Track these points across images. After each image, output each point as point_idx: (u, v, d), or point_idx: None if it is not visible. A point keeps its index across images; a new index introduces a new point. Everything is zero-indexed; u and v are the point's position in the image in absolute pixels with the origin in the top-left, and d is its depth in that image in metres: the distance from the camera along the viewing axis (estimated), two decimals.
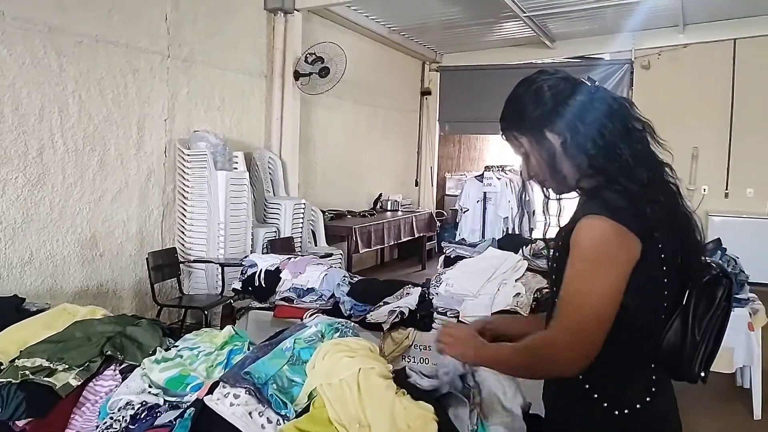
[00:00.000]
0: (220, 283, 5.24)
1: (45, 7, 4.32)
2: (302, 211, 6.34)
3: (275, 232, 6.06)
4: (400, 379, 1.70)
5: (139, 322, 2.23)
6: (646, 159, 1.41)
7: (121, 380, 1.96)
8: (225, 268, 5.19)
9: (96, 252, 4.83)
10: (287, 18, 6.57)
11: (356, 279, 3.90)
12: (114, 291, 5.00)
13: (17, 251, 4.27)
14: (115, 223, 4.98)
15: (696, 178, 8.29)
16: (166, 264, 5.11)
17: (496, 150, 13.36)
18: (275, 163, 6.54)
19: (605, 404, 1.40)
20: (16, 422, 1.87)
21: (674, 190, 1.44)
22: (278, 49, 6.57)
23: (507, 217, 7.97)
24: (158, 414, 1.76)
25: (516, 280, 3.58)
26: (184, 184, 5.40)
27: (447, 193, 11.26)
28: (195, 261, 5.39)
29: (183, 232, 5.47)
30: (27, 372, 1.90)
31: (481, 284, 3.54)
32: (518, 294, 3.43)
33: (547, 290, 3.34)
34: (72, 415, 1.90)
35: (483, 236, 7.59)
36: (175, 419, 1.68)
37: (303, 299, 3.75)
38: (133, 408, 1.77)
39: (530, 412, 1.89)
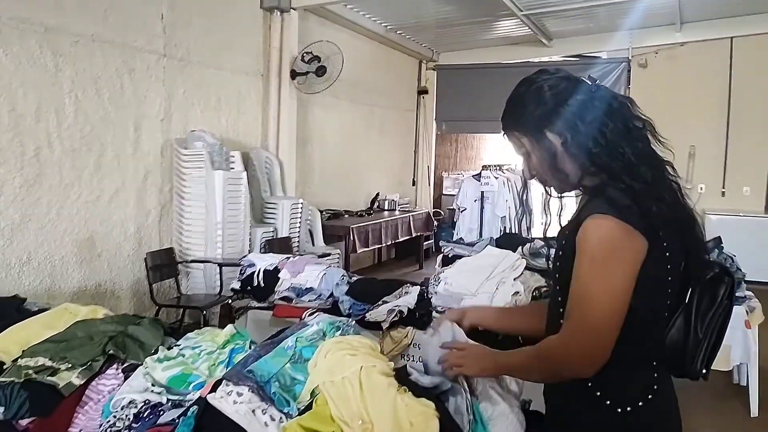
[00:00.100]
0: (218, 283, 5.24)
1: (41, 7, 4.31)
2: (300, 210, 6.34)
3: (273, 231, 6.06)
4: (401, 376, 1.71)
5: (141, 322, 2.24)
6: (648, 157, 1.42)
7: (123, 379, 1.97)
8: (223, 267, 5.19)
9: (94, 252, 4.83)
10: (283, 17, 6.57)
11: (355, 278, 3.90)
12: (112, 291, 4.99)
13: (15, 252, 4.26)
14: (113, 224, 4.98)
15: (693, 176, 8.32)
16: (164, 264, 5.11)
17: (493, 149, 13.38)
18: (272, 162, 6.54)
19: (608, 402, 1.41)
20: (20, 421, 1.87)
21: (676, 189, 1.45)
22: (275, 48, 6.58)
23: (505, 217, 7.97)
24: (161, 412, 1.76)
25: (514, 279, 3.58)
26: (181, 184, 5.40)
27: (444, 192, 11.29)
28: (193, 261, 5.39)
29: (181, 232, 5.47)
30: (30, 371, 1.90)
31: (480, 283, 3.54)
32: (517, 293, 3.43)
33: (546, 289, 3.35)
34: (75, 414, 1.91)
35: (480, 235, 7.60)
36: (178, 417, 1.68)
37: (302, 298, 3.74)
38: (136, 406, 1.77)
39: (530, 408, 1.90)
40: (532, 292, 3.47)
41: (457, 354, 1.62)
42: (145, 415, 1.76)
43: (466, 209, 8.22)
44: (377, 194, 9.07)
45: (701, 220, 1.48)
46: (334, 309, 3.60)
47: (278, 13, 6.52)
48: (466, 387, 1.63)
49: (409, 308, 3.42)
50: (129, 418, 1.75)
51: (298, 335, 1.86)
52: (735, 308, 3.80)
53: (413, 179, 10.43)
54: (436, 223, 9.65)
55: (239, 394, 1.62)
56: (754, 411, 4.03)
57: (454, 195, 9.45)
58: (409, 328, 3.42)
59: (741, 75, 8.46)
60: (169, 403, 1.81)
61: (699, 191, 8.40)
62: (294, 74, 6.59)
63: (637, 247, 1.34)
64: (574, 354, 1.38)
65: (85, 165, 4.70)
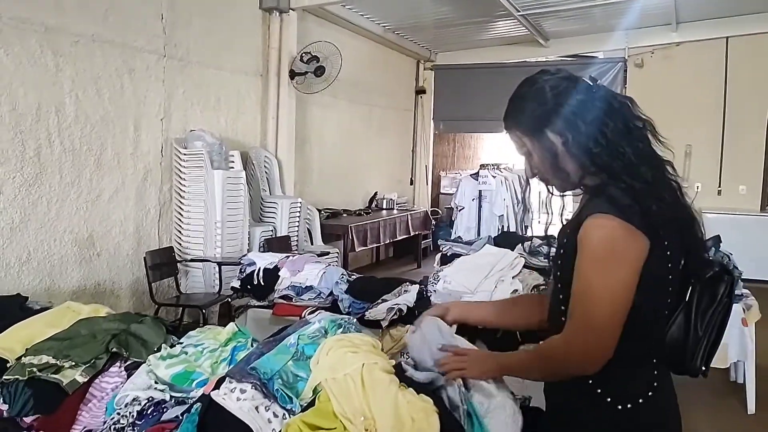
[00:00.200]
0: (217, 282, 5.26)
1: (41, 7, 4.32)
2: (298, 209, 6.36)
3: (272, 230, 6.08)
4: (398, 373, 1.72)
5: (143, 320, 2.25)
6: (648, 157, 1.43)
7: (126, 377, 1.98)
8: (222, 266, 5.21)
9: (93, 251, 4.84)
10: (282, 17, 6.59)
11: (354, 277, 3.92)
12: (111, 290, 5.00)
13: (15, 251, 4.27)
14: (112, 223, 4.99)
15: (689, 175, 8.34)
16: (163, 263, 5.13)
17: (491, 148, 13.42)
18: (271, 162, 6.56)
19: (608, 399, 1.43)
20: (24, 418, 1.89)
21: (676, 188, 1.46)
22: (274, 49, 6.60)
23: (502, 215, 8.00)
24: (165, 409, 1.78)
25: (513, 277, 3.61)
26: (180, 183, 5.41)
27: (442, 191, 11.30)
28: (192, 260, 5.40)
29: (180, 232, 5.49)
30: (34, 369, 1.92)
31: (479, 281, 3.56)
32: (515, 291, 3.45)
33: (544, 287, 3.37)
34: (79, 411, 1.93)
35: (478, 234, 7.63)
36: (182, 414, 1.70)
37: (302, 297, 3.77)
38: (139, 404, 1.79)
39: (531, 405, 1.92)
40: (531, 290, 3.49)
41: (458, 358, 1.64)
42: (148, 412, 1.78)
43: (464, 208, 8.25)
44: (375, 193, 9.09)
45: (700, 219, 1.50)
46: (333, 307, 3.63)
47: (277, 13, 6.54)
48: (460, 382, 1.65)
49: (408, 306, 3.44)
50: (133, 415, 1.77)
51: (300, 333, 1.87)
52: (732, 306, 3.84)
53: (411, 178, 10.45)
54: (433, 222, 9.67)
55: (243, 391, 1.63)
56: (751, 408, 4.05)
57: (451, 194, 9.47)
58: (408, 326, 3.44)
59: (736, 74, 8.50)
60: (173, 400, 1.83)
61: (695, 190, 8.43)
62: (293, 74, 6.61)
63: (638, 246, 1.35)
64: (577, 352, 1.39)
65: (85, 164, 4.72)
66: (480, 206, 8.15)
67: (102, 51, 4.78)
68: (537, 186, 1.63)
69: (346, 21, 7.76)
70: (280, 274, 3.89)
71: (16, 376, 1.91)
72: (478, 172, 8.43)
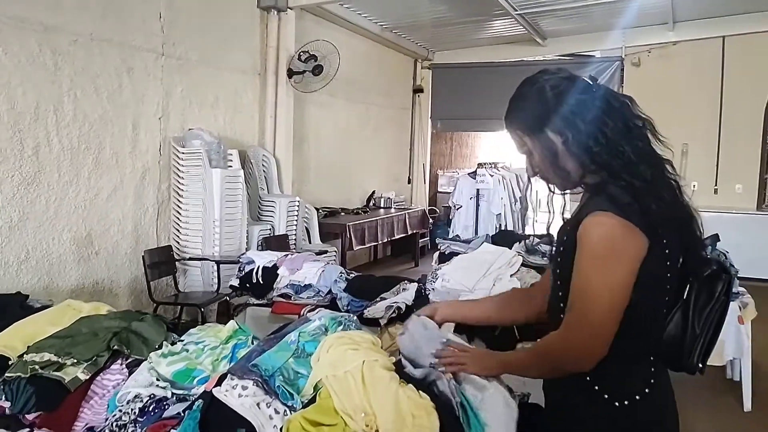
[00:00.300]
0: (215, 280, 5.27)
1: (40, 6, 4.33)
2: (296, 208, 6.38)
3: (270, 229, 6.09)
4: (398, 370, 1.74)
5: (144, 318, 2.27)
6: (647, 156, 1.45)
7: (127, 374, 1.99)
8: (220, 265, 5.21)
9: (92, 250, 4.85)
10: (280, 16, 6.59)
11: (353, 275, 3.93)
12: (110, 289, 5.01)
13: (13, 250, 4.28)
14: (111, 222, 5.00)
15: (686, 174, 8.37)
16: (162, 262, 5.13)
17: (488, 147, 13.43)
18: (269, 160, 6.57)
19: (606, 396, 1.44)
20: (26, 415, 1.90)
21: (675, 187, 1.48)
22: (271, 47, 6.60)
23: (500, 214, 8.02)
24: (166, 406, 1.79)
25: (511, 275, 3.62)
26: (179, 182, 5.42)
27: (439, 190, 11.32)
28: (191, 259, 5.41)
29: (178, 230, 5.49)
30: (36, 366, 1.93)
31: (477, 279, 3.58)
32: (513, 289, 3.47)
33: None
34: (81, 408, 1.94)
35: (476, 233, 7.63)
36: (183, 411, 1.71)
37: (300, 295, 3.77)
38: (141, 401, 1.80)
39: (529, 401, 1.93)
40: None
41: (459, 353, 1.66)
42: (150, 409, 1.79)
43: (461, 207, 8.26)
44: (373, 192, 9.11)
45: (700, 217, 1.52)
46: (332, 306, 3.63)
47: (275, 12, 6.54)
48: (450, 376, 1.66)
49: (407, 305, 3.45)
50: (135, 412, 1.78)
51: (300, 330, 1.88)
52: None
53: (409, 177, 10.47)
54: (431, 220, 9.69)
55: (244, 388, 1.64)
56: (747, 406, 4.07)
57: (449, 193, 9.47)
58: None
59: (733, 74, 8.53)
60: (174, 397, 1.84)
61: (692, 189, 8.46)
62: (291, 73, 6.61)
63: (637, 244, 1.37)
64: (574, 348, 1.41)
65: (84, 163, 4.72)
66: (477, 205, 8.16)
67: (100, 50, 4.78)
68: (536, 185, 1.65)
69: (344, 20, 7.77)
70: (278, 272, 3.89)
71: (19, 374, 1.92)
72: (476, 170, 8.44)
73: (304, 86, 6.73)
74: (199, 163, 5.34)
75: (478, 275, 3.61)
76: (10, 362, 2.04)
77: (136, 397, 1.82)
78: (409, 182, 10.46)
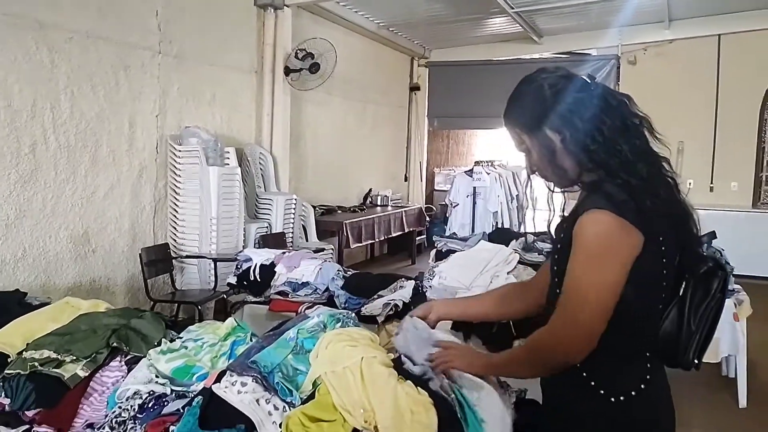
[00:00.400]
0: (212, 278, 5.26)
1: (36, 3, 4.32)
2: (293, 206, 6.38)
3: (267, 227, 6.10)
4: (396, 367, 1.75)
5: (143, 315, 2.27)
6: (644, 154, 1.46)
7: (126, 371, 2.00)
8: (217, 263, 5.21)
9: (88, 248, 4.84)
10: (277, 14, 6.59)
11: (350, 273, 3.95)
12: (107, 287, 5.01)
13: (10, 248, 4.27)
14: (108, 219, 4.99)
15: (681, 172, 8.38)
16: (159, 259, 5.13)
17: (485, 145, 13.44)
18: (266, 158, 6.57)
19: (602, 391, 1.45)
20: (26, 412, 1.91)
21: (672, 184, 1.49)
22: (268, 45, 6.60)
23: (497, 212, 8.04)
24: (166, 403, 1.81)
25: (508, 273, 3.64)
26: (175, 179, 5.42)
27: (436, 188, 11.32)
28: (188, 256, 5.41)
29: (175, 228, 5.49)
30: (35, 363, 1.94)
31: (474, 277, 3.59)
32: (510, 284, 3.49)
33: None
34: (80, 405, 1.94)
35: (473, 231, 7.65)
36: (183, 407, 1.72)
37: (298, 293, 3.78)
38: (140, 397, 1.81)
39: (526, 398, 1.95)
40: None
41: (445, 351, 1.67)
42: (149, 406, 1.80)
43: (458, 204, 8.27)
44: (370, 190, 9.11)
45: (697, 215, 1.53)
46: (329, 303, 3.64)
47: (272, 10, 6.54)
48: (442, 375, 1.67)
49: (404, 302, 3.46)
50: (134, 409, 1.79)
51: (299, 327, 1.89)
52: None
53: (405, 175, 10.48)
54: (428, 218, 9.70)
55: (243, 384, 1.66)
56: (743, 402, 4.09)
57: (446, 191, 9.49)
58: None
59: (728, 72, 8.56)
60: (173, 394, 1.85)
61: (687, 186, 8.43)
62: (287, 71, 6.61)
63: (632, 242, 1.38)
64: (563, 344, 1.42)
65: (81, 161, 4.72)
66: (474, 203, 8.18)
67: (97, 47, 4.78)
68: (534, 183, 1.66)
69: (341, 18, 7.77)
70: (276, 270, 3.91)
71: (18, 371, 1.93)
72: (473, 168, 8.45)
73: (300, 84, 6.73)
74: (196, 161, 5.33)
75: (475, 273, 3.62)
76: (9, 359, 2.05)
77: (135, 393, 1.83)
78: (405, 180, 10.47)
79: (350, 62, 7.95)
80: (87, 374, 1.99)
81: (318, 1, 7.04)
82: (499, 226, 7.80)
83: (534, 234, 4.79)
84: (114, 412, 1.79)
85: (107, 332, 2.10)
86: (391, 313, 3.45)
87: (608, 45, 8.96)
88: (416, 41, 9.77)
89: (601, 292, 1.37)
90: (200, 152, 5.32)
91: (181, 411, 1.71)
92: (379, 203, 8.97)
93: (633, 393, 1.44)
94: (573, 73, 1.52)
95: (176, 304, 5.18)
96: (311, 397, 1.67)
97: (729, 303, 3.94)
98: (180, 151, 5.37)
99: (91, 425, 1.85)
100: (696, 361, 1.48)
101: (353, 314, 2.08)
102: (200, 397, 1.68)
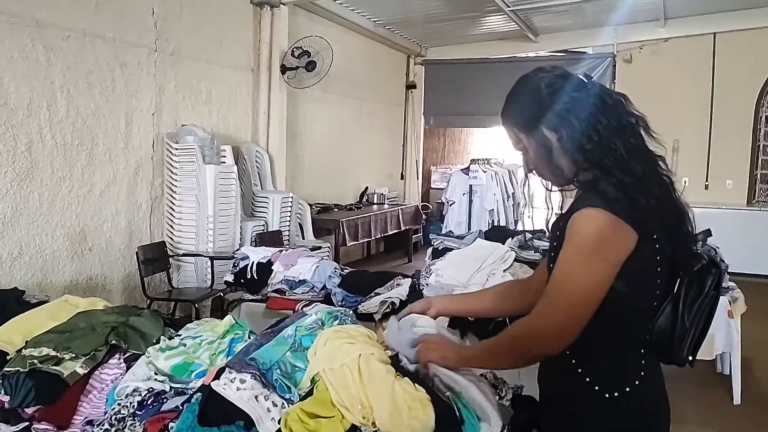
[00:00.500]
0: (209, 276, 5.27)
1: (33, 1, 4.31)
2: (290, 204, 6.38)
3: (263, 225, 6.10)
4: (394, 363, 1.76)
5: (142, 313, 2.28)
6: (639, 152, 1.47)
7: (125, 368, 2.01)
8: (214, 261, 5.22)
9: (85, 246, 4.84)
10: (273, 12, 6.59)
11: (347, 271, 3.96)
12: (103, 285, 5.01)
13: (6, 246, 4.27)
14: (104, 218, 4.99)
15: (677, 170, 8.37)
16: (155, 258, 5.13)
17: (481, 143, 13.46)
18: (262, 156, 6.57)
19: (596, 387, 1.47)
20: (26, 409, 1.91)
21: (668, 183, 1.50)
22: (265, 43, 6.60)
23: (493, 210, 8.06)
24: (165, 400, 1.81)
25: (504, 270, 3.65)
26: (172, 178, 5.42)
27: (432, 186, 11.34)
28: (184, 255, 5.41)
29: (172, 226, 5.49)
30: (35, 361, 1.94)
31: (471, 275, 3.61)
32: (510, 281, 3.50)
33: None
34: (80, 402, 1.95)
35: (469, 229, 7.67)
36: (182, 404, 1.72)
37: (295, 291, 3.79)
38: (140, 394, 1.82)
39: (522, 393, 1.97)
40: None
41: (421, 347, 1.68)
42: (149, 403, 1.81)
43: (454, 203, 8.29)
44: (366, 188, 9.13)
45: (692, 213, 1.54)
46: (326, 301, 3.65)
47: (268, 8, 6.54)
48: (431, 372, 1.69)
49: (401, 299, 3.47)
50: (133, 406, 1.79)
51: (297, 324, 1.90)
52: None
53: (402, 173, 10.49)
54: (424, 216, 9.72)
55: (242, 381, 1.66)
56: (737, 399, 4.12)
57: (442, 189, 9.51)
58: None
59: (723, 70, 8.60)
60: (172, 391, 1.86)
61: (683, 184, 8.50)
62: (284, 69, 6.62)
63: (623, 240, 1.39)
64: (543, 333, 1.43)
65: (77, 159, 4.72)
66: (470, 201, 8.20)
67: (93, 45, 4.78)
68: (531, 181, 1.67)
69: (337, 16, 7.78)
70: (273, 268, 3.91)
71: (17, 368, 1.93)
72: (469, 166, 8.48)
73: (297, 82, 6.73)
74: (192, 159, 5.34)
75: (471, 270, 3.64)
76: (8, 357, 2.05)
77: (134, 390, 1.83)
78: (402, 178, 10.48)
79: (347, 60, 7.95)
80: (86, 372, 2.00)
81: None
82: (495, 224, 7.82)
83: (530, 232, 4.81)
84: (113, 409, 1.79)
85: (106, 330, 2.11)
86: (388, 310, 3.46)
87: (604, 43, 8.99)
88: (412, 39, 9.78)
89: (586, 287, 1.39)
90: (197, 150, 5.32)
91: (180, 408, 1.72)
92: (375, 201, 8.98)
93: (627, 389, 1.46)
94: (570, 73, 1.53)
95: (173, 302, 5.18)
96: (310, 393, 1.67)
97: (724, 300, 3.97)
98: (176, 149, 5.37)
99: (90, 422, 1.85)
100: (690, 358, 1.49)
101: (351, 312, 2.09)
102: (199, 393, 1.69)
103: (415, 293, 3.61)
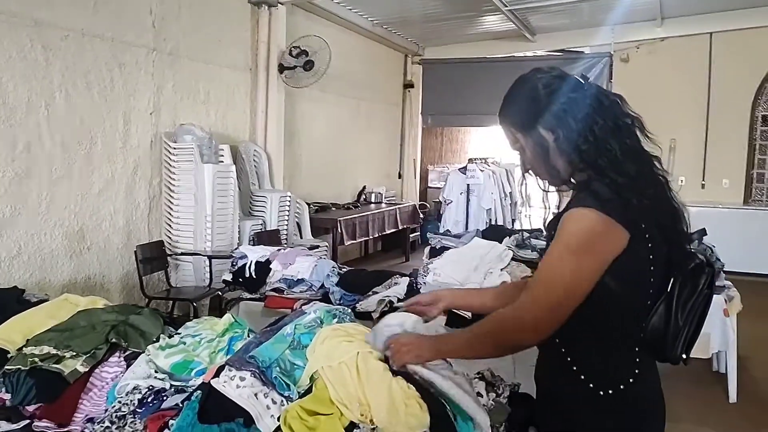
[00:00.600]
0: (207, 275, 5.28)
1: (31, 1, 4.32)
2: (288, 203, 6.40)
3: (261, 224, 6.11)
4: (388, 364, 1.78)
5: (141, 311, 2.30)
6: (634, 153, 1.48)
7: (125, 366, 2.03)
8: (212, 260, 5.23)
9: (84, 245, 4.85)
10: (271, 11, 6.60)
11: (345, 270, 3.98)
12: (102, 284, 5.02)
13: (5, 245, 4.28)
14: (102, 217, 5.00)
15: (673, 169, 8.46)
16: (153, 257, 5.14)
17: (478, 142, 13.47)
18: (260, 156, 6.59)
19: (591, 385, 1.48)
20: (27, 407, 1.93)
21: (663, 183, 1.52)
22: (263, 43, 6.61)
23: (490, 209, 8.08)
24: (165, 397, 1.83)
25: (501, 269, 3.68)
26: (170, 177, 5.43)
27: (430, 185, 11.36)
28: (183, 254, 5.42)
29: (170, 225, 5.50)
30: (36, 359, 1.96)
31: (468, 273, 3.63)
32: (504, 282, 3.52)
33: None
34: (80, 400, 1.97)
35: (466, 228, 7.69)
36: (182, 402, 1.74)
37: (293, 290, 3.81)
38: (140, 392, 1.83)
39: (519, 391, 1.99)
40: None
41: (393, 349, 1.66)
42: (149, 400, 1.83)
43: (452, 202, 8.31)
44: (364, 187, 9.13)
45: (687, 212, 1.56)
46: (324, 300, 3.67)
47: (266, 7, 6.55)
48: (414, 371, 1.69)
49: (398, 298, 3.49)
50: (134, 403, 1.81)
51: (296, 323, 1.92)
52: (714, 297, 3.88)
53: (399, 172, 10.50)
54: (422, 215, 9.73)
55: (242, 379, 1.68)
56: (733, 397, 4.14)
57: (439, 188, 9.53)
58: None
59: (720, 70, 8.62)
60: (172, 389, 1.87)
61: (679, 184, 8.54)
62: (282, 68, 6.63)
63: (613, 240, 1.40)
64: (521, 326, 1.45)
65: (75, 158, 4.72)
66: (468, 200, 8.22)
67: (92, 45, 4.78)
68: (528, 181, 1.68)
69: (335, 15, 7.78)
70: (271, 267, 3.93)
71: (18, 366, 1.95)
72: (466, 166, 8.49)
73: (295, 82, 6.74)
74: (190, 158, 5.34)
75: (469, 269, 3.66)
76: (9, 355, 2.07)
77: (134, 388, 1.85)
78: (399, 177, 10.49)
79: (344, 60, 7.96)
80: (87, 370, 2.01)
81: None
82: (493, 223, 7.84)
83: (527, 231, 4.83)
84: (114, 406, 1.81)
85: (106, 328, 2.13)
86: (385, 309, 3.48)
87: (601, 43, 9.00)
88: (410, 39, 9.79)
89: (571, 283, 1.40)
90: (195, 149, 5.33)
91: (180, 405, 1.74)
92: (373, 200, 9.00)
93: (622, 387, 1.47)
94: (567, 74, 1.54)
95: (171, 301, 5.19)
96: (308, 391, 1.69)
97: (720, 299, 3.99)
98: (174, 148, 5.38)
99: (91, 420, 1.87)
100: (684, 356, 1.51)
101: (349, 310, 2.11)
102: (199, 391, 1.71)
103: (413, 292, 3.62)
